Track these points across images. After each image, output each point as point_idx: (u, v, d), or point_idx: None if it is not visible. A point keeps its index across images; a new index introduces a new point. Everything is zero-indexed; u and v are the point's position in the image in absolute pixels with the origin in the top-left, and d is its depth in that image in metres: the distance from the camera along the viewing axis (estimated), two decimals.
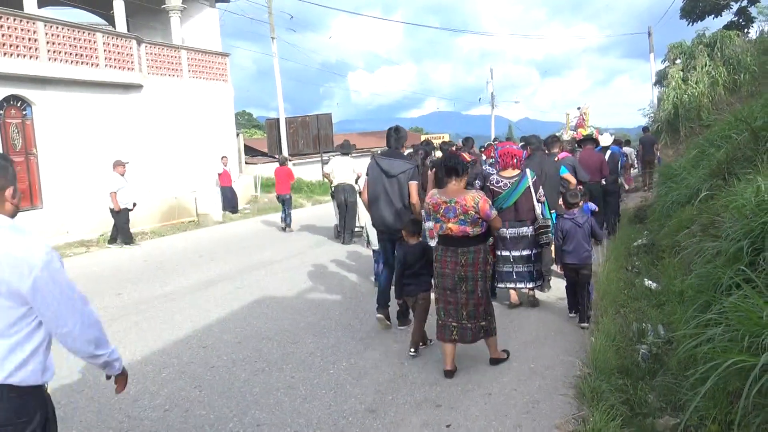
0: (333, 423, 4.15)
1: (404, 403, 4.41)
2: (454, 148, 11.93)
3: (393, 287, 5.84)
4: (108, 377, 2.58)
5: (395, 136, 6.28)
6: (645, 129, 19.36)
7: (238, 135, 23.38)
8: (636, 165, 18.06)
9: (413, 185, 5.97)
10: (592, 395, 4.25)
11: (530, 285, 6.65)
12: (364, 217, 10.96)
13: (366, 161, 7.24)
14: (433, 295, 5.20)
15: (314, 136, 26.39)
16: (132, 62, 15.99)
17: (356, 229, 12.21)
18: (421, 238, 5.62)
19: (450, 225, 4.75)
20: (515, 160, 6.59)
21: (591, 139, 11.28)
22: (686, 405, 3.52)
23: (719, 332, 3.27)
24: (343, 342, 5.78)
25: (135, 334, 6.40)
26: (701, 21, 19.48)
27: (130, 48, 15.94)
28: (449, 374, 4.85)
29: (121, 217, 12.45)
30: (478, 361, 5.13)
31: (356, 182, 11.93)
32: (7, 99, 13.00)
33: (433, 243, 5.34)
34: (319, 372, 5.08)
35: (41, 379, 2.28)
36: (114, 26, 17.07)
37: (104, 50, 15.08)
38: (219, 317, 6.87)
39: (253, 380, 4.94)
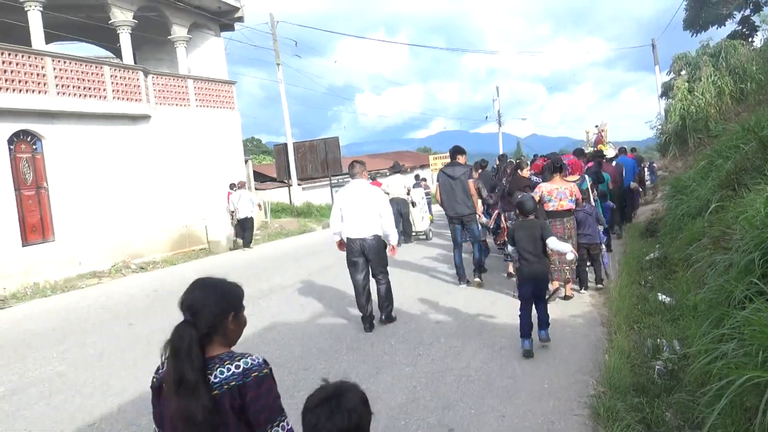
0: None
1: (417, 428, 4.36)
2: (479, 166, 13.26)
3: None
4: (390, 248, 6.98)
5: (457, 151, 8.76)
6: (632, 150, 20.49)
7: (246, 161, 23.51)
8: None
9: (471, 182, 8.46)
10: (608, 415, 4.19)
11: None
12: (419, 224, 15.00)
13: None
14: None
15: (322, 159, 26.52)
16: (139, 93, 16.17)
17: (412, 233, 14.88)
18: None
19: (561, 203, 7.38)
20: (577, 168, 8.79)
21: (600, 155, 13.61)
22: (704, 422, 3.45)
23: (733, 347, 3.21)
24: (355, 366, 5.74)
25: (146, 365, 6.38)
26: (705, 31, 19.49)
27: (137, 79, 16.14)
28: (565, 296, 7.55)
29: (248, 222, 16.52)
30: (491, 383, 5.08)
31: (407, 194, 14.66)
32: (17, 134, 13.13)
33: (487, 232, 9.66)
34: None
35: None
36: (121, 59, 17.29)
37: (112, 83, 15.27)
38: None
39: None
